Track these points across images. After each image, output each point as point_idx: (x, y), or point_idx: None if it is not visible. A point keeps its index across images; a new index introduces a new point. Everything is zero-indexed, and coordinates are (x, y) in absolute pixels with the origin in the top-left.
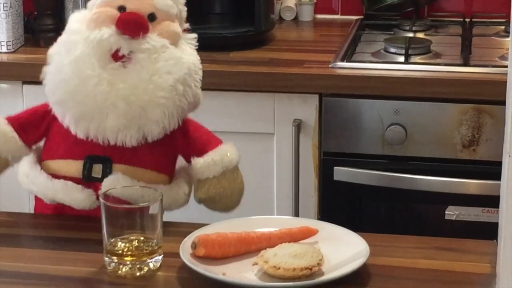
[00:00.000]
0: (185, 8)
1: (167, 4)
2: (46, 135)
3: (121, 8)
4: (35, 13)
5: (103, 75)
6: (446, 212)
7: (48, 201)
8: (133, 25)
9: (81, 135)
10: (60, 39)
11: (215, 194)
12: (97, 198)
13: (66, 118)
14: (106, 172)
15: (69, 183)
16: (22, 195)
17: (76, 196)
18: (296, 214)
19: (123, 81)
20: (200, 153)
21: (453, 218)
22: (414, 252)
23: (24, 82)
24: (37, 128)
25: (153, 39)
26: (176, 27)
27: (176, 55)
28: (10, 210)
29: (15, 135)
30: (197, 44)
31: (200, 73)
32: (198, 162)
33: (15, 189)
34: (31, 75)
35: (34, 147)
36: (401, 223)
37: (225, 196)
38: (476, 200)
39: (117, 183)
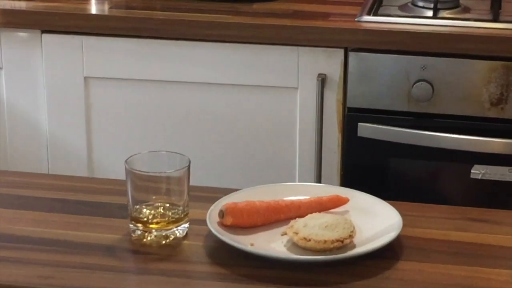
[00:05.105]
0: None
1: None
2: None
3: None
4: None
5: None
6: (471, 171)
7: None
8: None
9: None
10: None
11: None
12: None
13: None
14: None
15: None
16: (40, 153)
17: None
18: (319, 170)
19: None
20: None
21: (479, 177)
22: (446, 223)
23: (43, 31)
24: None
25: None
26: None
27: None
28: (27, 170)
29: None
30: None
31: None
32: None
33: (31, 148)
34: (50, 24)
35: None
36: (425, 181)
37: None
38: (502, 159)
39: None
